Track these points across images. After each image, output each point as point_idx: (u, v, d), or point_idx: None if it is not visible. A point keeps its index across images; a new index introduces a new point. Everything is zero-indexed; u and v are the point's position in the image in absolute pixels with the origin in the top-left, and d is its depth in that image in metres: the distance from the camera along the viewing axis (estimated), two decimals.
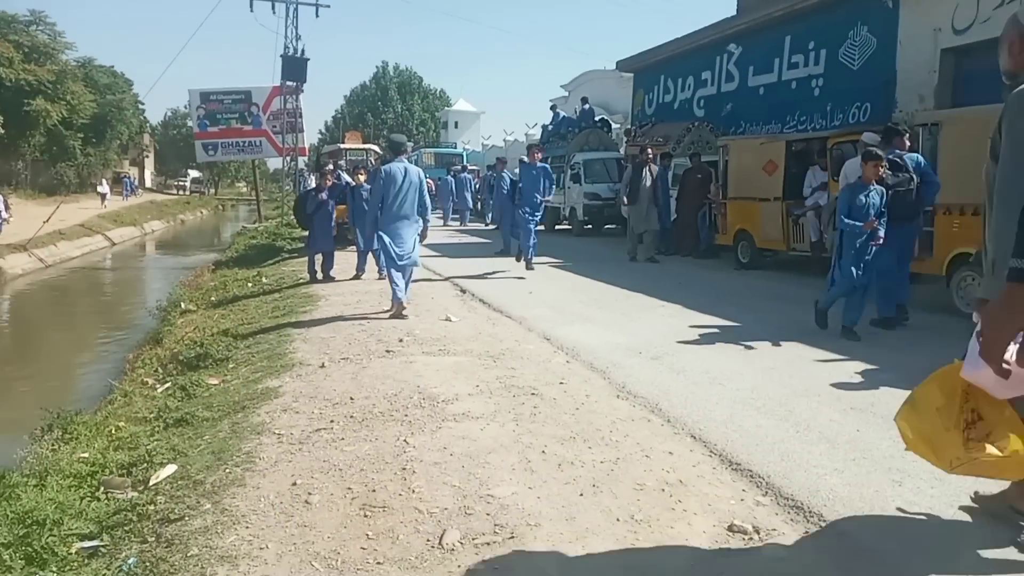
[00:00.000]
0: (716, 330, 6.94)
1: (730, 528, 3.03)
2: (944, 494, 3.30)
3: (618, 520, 3.12)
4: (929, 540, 2.91)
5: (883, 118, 11.70)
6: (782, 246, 11.25)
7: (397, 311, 7.63)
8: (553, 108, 23.11)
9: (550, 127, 21.84)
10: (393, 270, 7.66)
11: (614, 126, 23.75)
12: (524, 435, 4.11)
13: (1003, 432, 2.56)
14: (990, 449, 2.53)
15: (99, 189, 42.00)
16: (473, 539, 3.00)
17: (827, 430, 4.14)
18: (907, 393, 2.87)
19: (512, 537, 2.99)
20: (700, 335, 6.71)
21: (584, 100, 21.61)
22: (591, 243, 16.30)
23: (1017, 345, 2.10)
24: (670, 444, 3.99)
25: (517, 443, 3.99)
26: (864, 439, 4.00)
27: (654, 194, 12.29)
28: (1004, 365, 2.04)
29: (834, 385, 5.05)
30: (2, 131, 26.99)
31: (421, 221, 7.84)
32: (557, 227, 20.16)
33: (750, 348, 6.21)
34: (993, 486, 3.08)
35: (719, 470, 3.64)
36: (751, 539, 2.95)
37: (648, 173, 12.29)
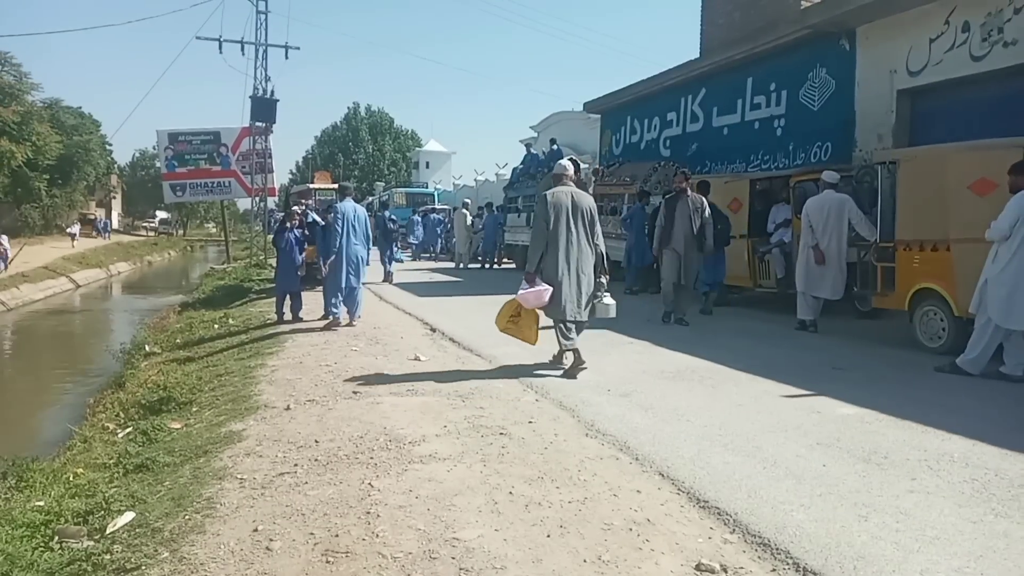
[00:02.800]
0: (684, 367, 6.96)
1: (698, 567, 3.00)
2: (909, 528, 3.31)
3: (585, 561, 3.08)
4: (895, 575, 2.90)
5: (844, 157, 12.01)
6: (748, 283, 11.40)
7: (331, 323, 9.60)
8: (527, 147, 23.40)
9: (520, 167, 22.06)
10: (338, 290, 9.53)
11: (583, 166, 24.01)
12: (492, 476, 4.06)
13: (527, 320, 6.72)
14: (514, 328, 6.81)
15: (69, 230, 41.87)
16: None
17: (793, 466, 4.15)
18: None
19: None
20: (668, 371, 6.73)
21: (552, 141, 21.88)
22: None
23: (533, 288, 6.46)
24: (638, 482, 3.96)
25: (484, 484, 3.94)
26: (830, 474, 4.01)
27: (695, 231, 9.37)
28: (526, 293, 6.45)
29: (800, 421, 5.08)
30: None
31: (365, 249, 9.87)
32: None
33: (718, 385, 6.23)
34: None
35: (687, 508, 3.62)
36: None
37: (686, 205, 9.41)
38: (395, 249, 17.12)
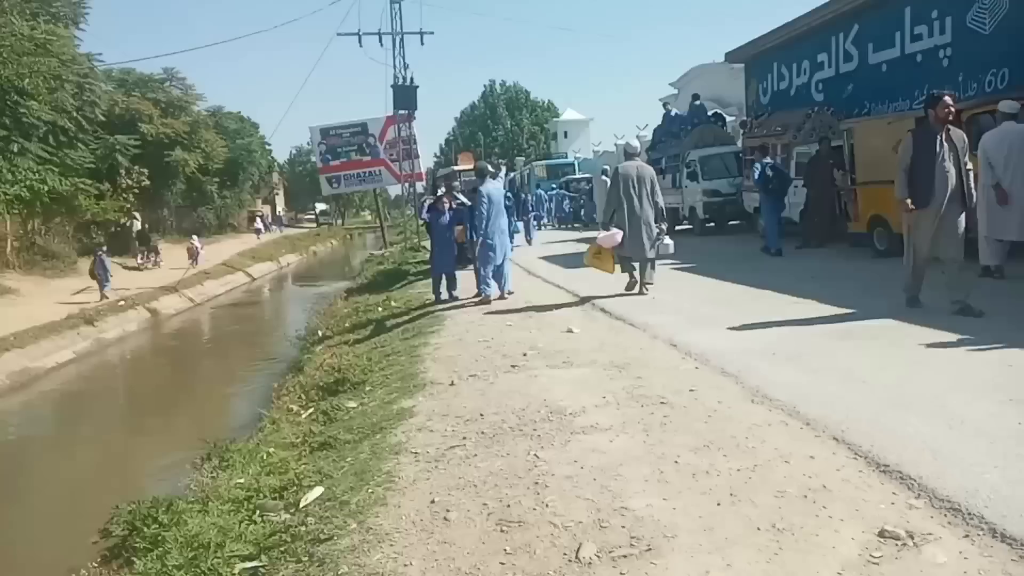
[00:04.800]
0: (855, 324, 6.58)
1: (881, 534, 2.86)
2: None
3: (759, 529, 3.02)
4: None
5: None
6: None
7: (483, 299, 10.01)
8: (665, 106, 22.80)
9: (660, 128, 21.54)
10: (488, 267, 9.95)
11: (728, 119, 23.12)
12: (655, 445, 4.05)
13: (605, 257, 9.19)
14: (598, 263, 9.34)
15: (256, 224, 47.06)
16: (610, 552, 2.98)
17: (984, 424, 3.83)
18: None
19: (649, 549, 2.96)
20: (838, 331, 6.39)
21: (695, 96, 21.17)
22: (714, 242, 15.90)
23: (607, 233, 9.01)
24: (811, 448, 3.82)
25: (649, 454, 3.94)
26: None
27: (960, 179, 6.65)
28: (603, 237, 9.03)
29: (990, 375, 4.68)
30: (148, 182, 29.50)
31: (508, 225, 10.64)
32: (677, 228, 19.85)
33: (893, 341, 5.84)
34: None
35: (865, 473, 3.45)
36: (905, 545, 2.78)
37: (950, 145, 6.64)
38: (532, 223, 18.29)
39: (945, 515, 2.97)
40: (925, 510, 3.04)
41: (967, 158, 6.73)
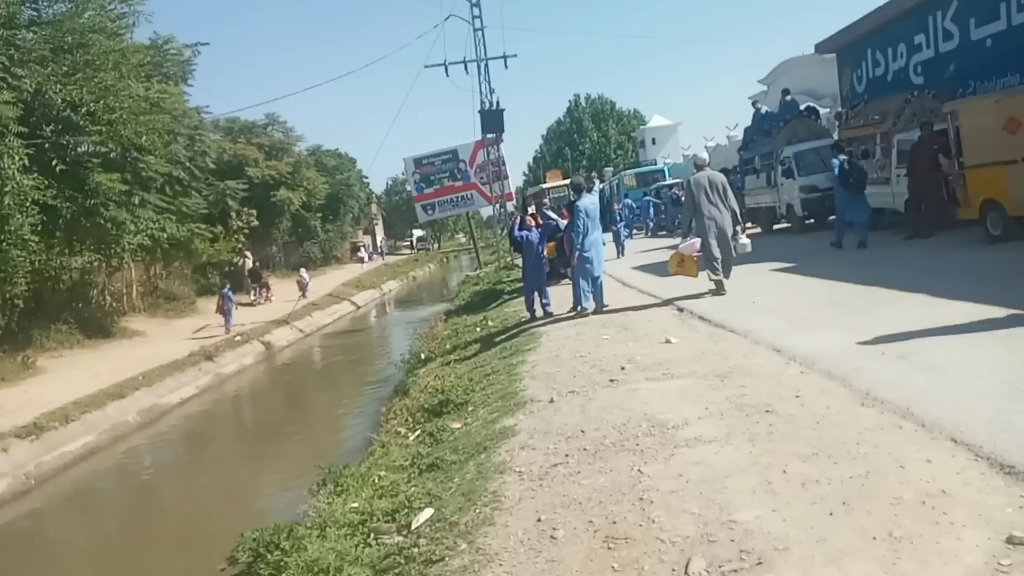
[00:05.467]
0: (971, 317, 6.21)
1: (1009, 540, 2.72)
2: None
3: (875, 539, 2.92)
4: None
5: None
6: None
7: (581, 312, 10.00)
8: (754, 104, 22.25)
9: (751, 127, 21.03)
10: (587, 280, 9.93)
11: (822, 111, 22.32)
12: (762, 455, 3.97)
13: (688, 264, 9.84)
14: (682, 270, 10.06)
15: (360, 254, 51.78)
16: (720, 567, 2.96)
17: None
18: None
19: (760, 563, 2.91)
20: (952, 325, 6.05)
21: (785, 92, 20.55)
22: (814, 239, 15.32)
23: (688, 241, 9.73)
24: (927, 451, 3.65)
25: (755, 465, 3.87)
26: None
27: None
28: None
29: None
30: (257, 222, 31.12)
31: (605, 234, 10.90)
32: (775, 227, 19.28)
33: (1015, 333, 5.49)
34: None
35: (988, 475, 3.28)
36: None
37: None
38: (622, 235, 19.86)
39: None
40: None
41: None
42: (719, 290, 9.67)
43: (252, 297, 28.77)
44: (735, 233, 9.72)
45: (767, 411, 4.69)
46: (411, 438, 6.98)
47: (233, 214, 29.84)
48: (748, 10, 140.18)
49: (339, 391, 15.27)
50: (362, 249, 55.28)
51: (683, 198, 10.43)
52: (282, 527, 4.97)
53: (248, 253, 32.78)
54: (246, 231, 30.48)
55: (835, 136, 17.83)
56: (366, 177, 58.46)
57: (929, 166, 12.05)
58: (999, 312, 6.18)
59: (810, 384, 5.15)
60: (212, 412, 14.82)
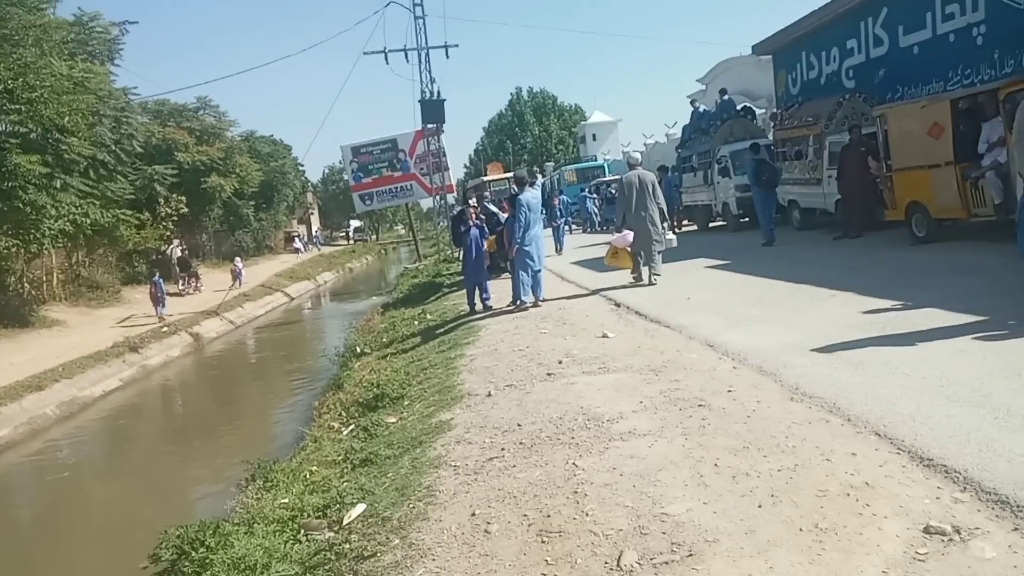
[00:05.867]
0: (895, 315, 6.44)
1: (926, 530, 2.81)
2: None
3: (801, 530, 2.98)
4: None
5: None
6: (962, 214, 10.28)
7: (520, 306, 10.07)
8: (692, 103, 22.63)
9: (689, 125, 21.39)
10: (527, 274, 9.99)
11: (758, 112, 22.85)
12: (694, 449, 4.02)
13: (623, 256, 10.52)
14: (616, 261, 10.71)
15: (294, 244, 50.89)
16: (651, 559, 2.97)
17: None
18: None
19: (691, 555, 2.94)
20: (877, 322, 6.26)
21: (722, 91, 20.98)
22: (748, 237, 15.69)
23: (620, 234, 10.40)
24: (852, 445, 3.75)
25: (687, 458, 3.91)
26: None
27: None
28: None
29: None
30: (186, 209, 30.15)
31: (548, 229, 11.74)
32: (711, 225, 19.66)
33: (935, 331, 5.70)
34: None
35: (909, 468, 3.38)
36: (951, 540, 2.72)
37: None
38: (562, 231, 19.55)
39: (992, 508, 2.90)
40: (971, 504, 2.97)
41: None
42: (650, 281, 10.46)
43: (180, 287, 27.94)
44: (664, 229, 10.61)
45: (700, 405, 4.75)
46: (344, 433, 6.86)
47: (161, 200, 28.82)
48: (687, 10, 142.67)
49: (270, 385, 14.95)
50: (297, 239, 54.17)
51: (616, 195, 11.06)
52: (208, 523, 4.80)
53: (177, 241, 31.77)
54: (175, 218, 29.45)
55: (770, 136, 18.28)
56: (302, 165, 57.27)
57: (858, 168, 12.44)
58: (922, 312, 6.41)
59: (742, 379, 5.25)
60: (137, 405, 14.32)
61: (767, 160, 14.58)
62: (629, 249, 10.50)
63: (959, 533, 2.76)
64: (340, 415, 7.80)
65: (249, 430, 11.19)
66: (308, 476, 5.50)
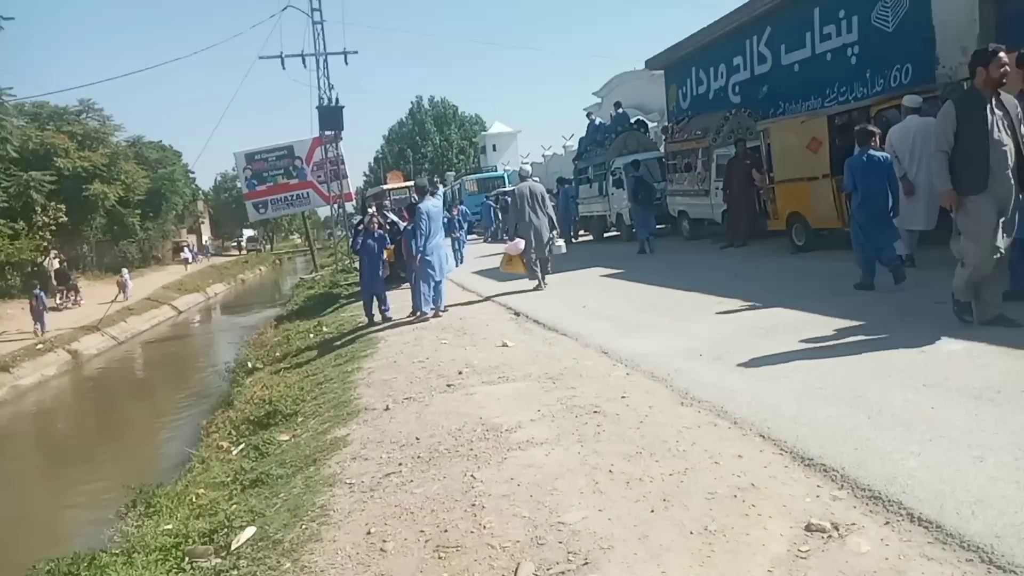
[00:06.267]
0: (777, 321, 6.76)
1: (807, 528, 2.94)
2: None
3: (692, 533, 3.06)
4: (1019, 516, 2.75)
5: (927, 77, 11.32)
6: (838, 224, 10.93)
7: (421, 317, 9.91)
8: (588, 116, 23.12)
9: (585, 138, 21.84)
10: (428, 285, 9.90)
11: (651, 125, 23.59)
12: (590, 456, 4.07)
13: (516, 262, 11.08)
14: (511, 267, 11.33)
15: (183, 255, 48.57)
16: (548, 569, 2.98)
17: (901, 412, 3.98)
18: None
19: (586, 563, 2.96)
20: (761, 328, 6.55)
21: (617, 104, 21.54)
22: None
23: (512, 242, 11.07)
24: (739, 447, 3.89)
25: (584, 465, 3.96)
26: (940, 416, 3.83)
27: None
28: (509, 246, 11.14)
29: (904, 364, 4.86)
30: (65, 218, 28.38)
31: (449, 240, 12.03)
32: (605, 235, 20.10)
33: (813, 335, 6.01)
34: None
35: (791, 468, 3.54)
36: (830, 537, 2.85)
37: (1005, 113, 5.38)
38: (461, 241, 19.35)
39: (867, 504, 3.06)
40: (848, 500, 3.13)
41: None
42: (540, 286, 11.07)
43: (58, 301, 26.27)
44: (551, 237, 11.18)
45: (595, 412, 4.82)
46: (234, 452, 6.58)
47: (38, 208, 27.01)
48: (584, 24, 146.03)
49: (155, 404, 14.21)
50: (186, 249, 51.81)
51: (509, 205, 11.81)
52: (81, 556, 4.48)
53: (55, 252, 29.82)
54: (53, 227, 27.61)
55: (662, 149, 18.89)
56: (192, 172, 54.92)
57: (743, 180, 13.03)
58: (802, 317, 6.76)
59: (635, 385, 5.37)
60: (6, 429, 13.32)
61: (644, 178, 15.60)
62: (522, 255, 11.10)
63: (837, 529, 2.89)
64: (230, 434, 7.48)
65: (131, 453, 10.58)
66: (194, 500, 5.23)
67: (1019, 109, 5.41)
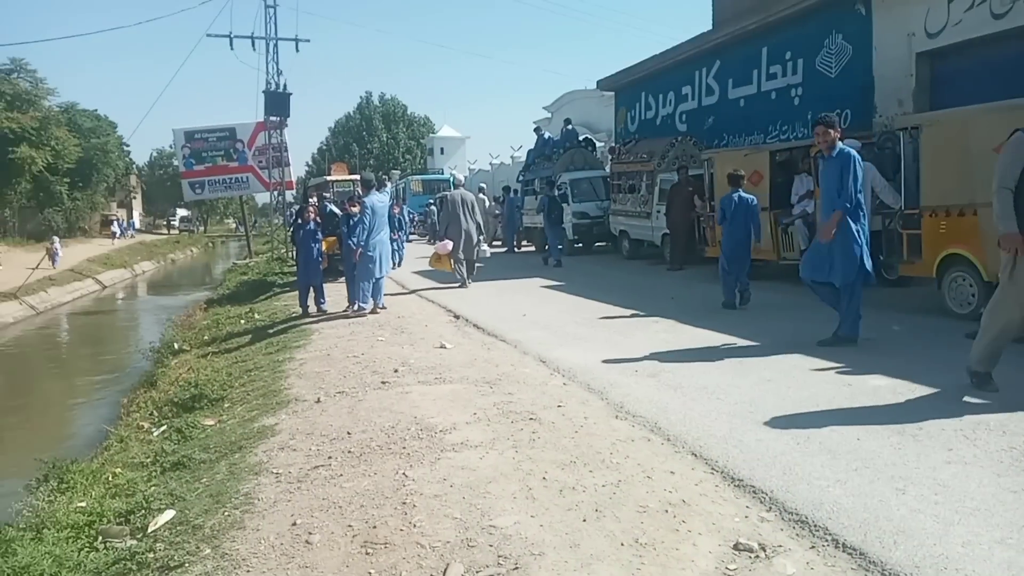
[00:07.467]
0: (711, 343, 6.94)
1: (736, 547, 3.00)
2: (948, 499, 3.28)
3: (622, 544, 3.09)
4: (937, 549, 2.87)
5: (864, 124, 11.84)
6: (772, 256, 11.29)
7: (358, 312, 9.82)
8: (537, 130, 23.28)
9: (534, 151, 21.96)
10: (368, 280, 9.82)
11: (598, 144, 23.91)
12: (524, 462, 4.07)
13: (444, 260, 12.05)
14: (439, 264, 12.25)
15: (112, 228, 47.08)
16: (477, 572, 2.96)
17: (827, 440, 4.12)
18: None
19: (516, 568, 2.96)
20: (695, 349, 6.71)
21: (567, 121, 21.76)
22: (582, 262, 16.33)
23: (442, 242, 11.97)
24: (671, 463, 3.96)
25: (517, 470, 3.96)
26: (865, 447, 3.98)
27: None
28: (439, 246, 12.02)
29: (832, 394, 5.04)
30: None
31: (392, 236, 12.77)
32: (547, 247, 20.22)
33: (746, 360, 6.19)
34: None
35: (722, 487, 3.62)
36: (757, 557, 2.92)
37: None
38: (402, 242, 18.66)
39: (794, 527, 3.15)
40: (776, 523, 3.21)
41: None
42: (465, 284, 11.99)
43: None
44: (478, 241, 12.29)
45: (531, 419, 4.84)
46: (155, 433, 6.35)
47: None
48: (538, 37, 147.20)
49: (73, 378, 13.60)
50: (115, 223, 49.99)
51: (440, 209, 13.32)
52: None
53: None
54: None
55: (607, 168, 19.16)
56: (127, 145, 53.01)
57: (684, 206, 13.32)
58: (735, 340, 6.95)
59: (571, 395, 5.41)
60: None
61: (556, 199, 16.74)
62: (449, 255, 12.00)
63: (764, 550, 2.96)
64: (151, 414, 7.22)
65: (44, 426, 10.08)
66: (111, 478, 5.02)
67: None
